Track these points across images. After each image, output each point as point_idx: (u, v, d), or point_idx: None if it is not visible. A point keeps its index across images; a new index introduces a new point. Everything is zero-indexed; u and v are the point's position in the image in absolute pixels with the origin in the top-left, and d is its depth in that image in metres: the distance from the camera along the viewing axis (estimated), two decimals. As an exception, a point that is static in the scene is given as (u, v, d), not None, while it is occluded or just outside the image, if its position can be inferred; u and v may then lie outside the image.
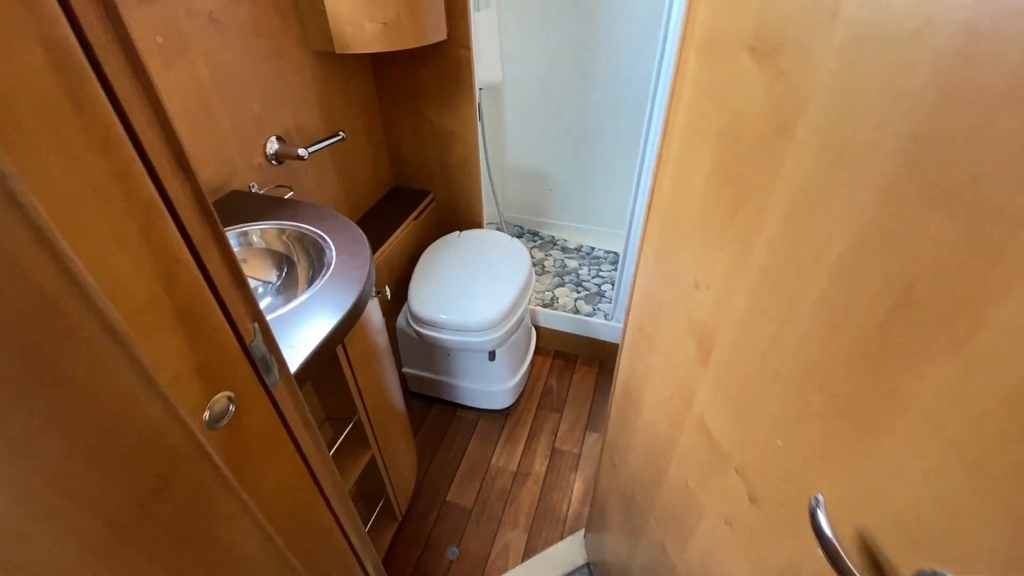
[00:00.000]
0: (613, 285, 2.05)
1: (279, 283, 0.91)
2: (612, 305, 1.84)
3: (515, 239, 1.61)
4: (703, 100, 0.50)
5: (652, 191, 0.66)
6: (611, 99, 1.94)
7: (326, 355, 0.71)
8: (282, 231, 0.91)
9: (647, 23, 1.73)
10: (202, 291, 0.41)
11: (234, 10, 0.99)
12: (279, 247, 0.92)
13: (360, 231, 0.91)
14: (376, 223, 1.54)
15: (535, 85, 2.00)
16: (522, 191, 2.35)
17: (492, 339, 1.35)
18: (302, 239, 0.91)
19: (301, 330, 0.71)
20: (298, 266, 0.90)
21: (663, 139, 0.61)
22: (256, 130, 1.10)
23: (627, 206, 2.27)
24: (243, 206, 1.00)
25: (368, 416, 0.90)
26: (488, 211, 2.18)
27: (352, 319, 0.76)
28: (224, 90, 1.00)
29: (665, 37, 1.22)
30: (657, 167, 0.63)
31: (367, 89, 1.47)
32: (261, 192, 1.12)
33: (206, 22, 0.94)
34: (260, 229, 0.90)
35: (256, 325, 0.49)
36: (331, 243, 0.88)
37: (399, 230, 1.52)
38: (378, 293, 0.93)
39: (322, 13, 1.12)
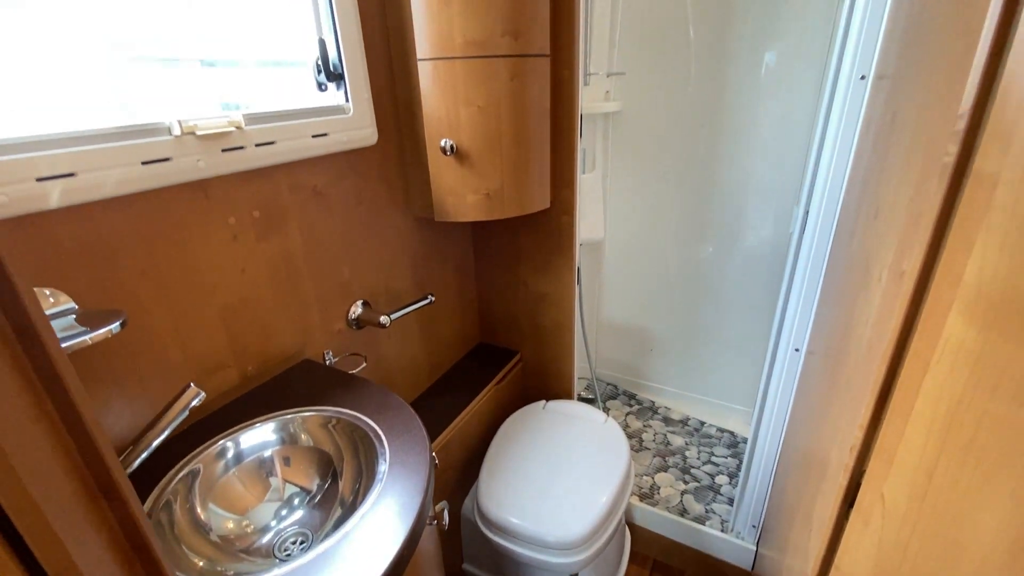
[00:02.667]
0: (731, 479, 1.66)
1: (319, 495, 0.74)
2: (732, 512, 1.45)
3: (610, 419, 1.36)
4: (994, 399, 0.28)
5: (856, 495, 0.42)
6: (726, 253, 1.75)
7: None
8: (328, 420, 0.77)
9: (771, 171, 1.58)
10: None
11: (340, 183, 0.99)
12: (327, 445, 0.77)
13: (423, 435, 0.73)
14: (456, 385, 1.40)
15: (639, 237, 1.88)
16: (619, 348, 2.13)
17: (575, 562, 1.05)
18: (352, 434, 0.76)
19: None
20: (342, 475, 0.74)
21: (881, 419, 0.38)
22: (342, 295, 1.04)
23: (749, 377, 1.94)
24: (308, 379, 0.89)
25: None
26: (580, 365, 1.98)
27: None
28: (316, 257, 0.96)
29: (812, 182, 1.02)
30: (861, 458, 0.40)
31: (464, 251, 1.43)
32: (334, 361, 1.03)
33: (309, 195, 0.93)
34: (302, 418, 0.77)
35: None
36: (387, 448, 0.72)
37: (479, 397, 1.35)
38: (433, 521, 0.72)
39: (426, 183, 1.10)
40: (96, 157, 0.61)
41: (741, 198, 1.65)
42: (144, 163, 0.66)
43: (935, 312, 0.33)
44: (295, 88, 0.92)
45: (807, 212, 1.04)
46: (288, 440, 0.77)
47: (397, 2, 0.97)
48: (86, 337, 0.56)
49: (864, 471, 0.41)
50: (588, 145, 1.76)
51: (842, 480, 0.44)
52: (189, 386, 0.66)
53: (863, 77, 0.89)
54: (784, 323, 1.13)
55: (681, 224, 1.79)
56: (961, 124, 0.32)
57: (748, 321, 1.80)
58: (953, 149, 0.32)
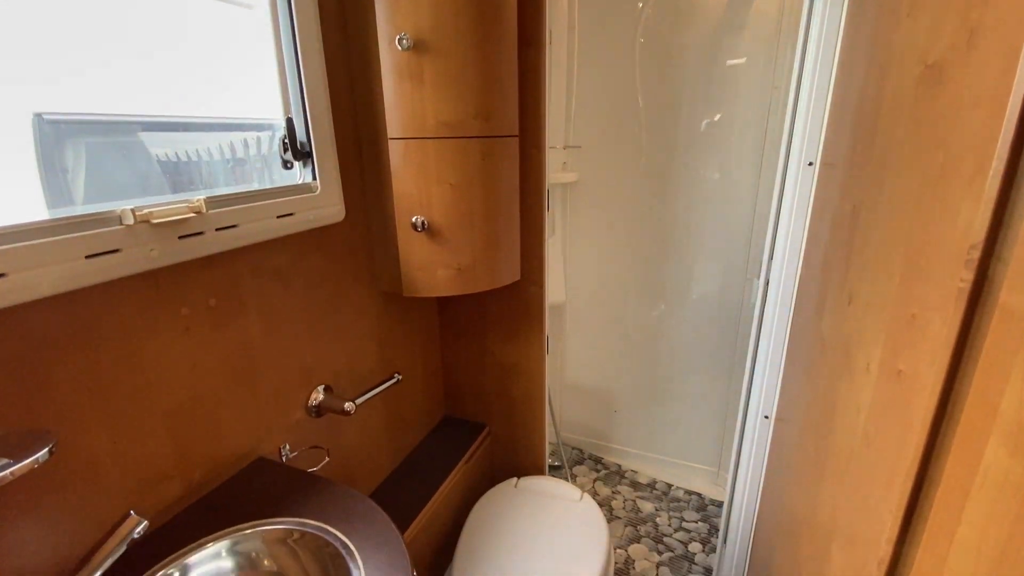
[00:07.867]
0: (704, 546, 1.62)
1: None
2: (711, 586, 1.41)
3: (586, 496, 1.31)
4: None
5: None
6: (679, 308, 1.80)
7: None
8: (288, 534, 0.68)
9: (718, 230, 1.67)
10: None
11: (304, 261, 0.93)
12: (292, 568, 0.67)
13: (402, 552, 0.66)
14: (422, 467, 1.31)
15: (598, 298, 1.92)
16: (583, 411, 2.10)
17: (563, 665, 0.96)
18: (320, 553, 0.67)
19: None
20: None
21: (910, 537, 0.37)
22: (302, 382, 0.96)
23: (710, 436, 1.95)
24: (263, 483, 0.79)
25: None
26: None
27: None
28: (276, 343, 0.89)
29: (773, 250, 1.07)
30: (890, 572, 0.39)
31: (430, 324, 1.38)
32: (291, 456, 0.93)
33: (271, 277, 0.87)
34: (259, 534, 0.68)
35: None
36: (363, 571, 0.63)
37: (448, 480, 1.27)
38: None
39: (395, 258, 1.06)
40: (32, 254, 0.54)
41: (691, 257, 1.73)
42: (88, 256, 0.59)
43: (970, 438, 0.33)
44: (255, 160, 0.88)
45: (767, 283, 1.09)
46: (246, 565, 0.67)
47: (367, 82, 0.97)
48: (6, 472, 0.47)
49: (896, 588, 0.40)
50: (548, 213, 1.80)
51: (872, 596, 0.42)
52: (130, 514, 0.57)
53: (811, 164, 0.97)
54: (752, 391, 1.15)
55: (637, 283, 1.84)
56: (975, 254, 0.33)
57: (704, 378, 1.84)
58: (968, 276, 0.33)
